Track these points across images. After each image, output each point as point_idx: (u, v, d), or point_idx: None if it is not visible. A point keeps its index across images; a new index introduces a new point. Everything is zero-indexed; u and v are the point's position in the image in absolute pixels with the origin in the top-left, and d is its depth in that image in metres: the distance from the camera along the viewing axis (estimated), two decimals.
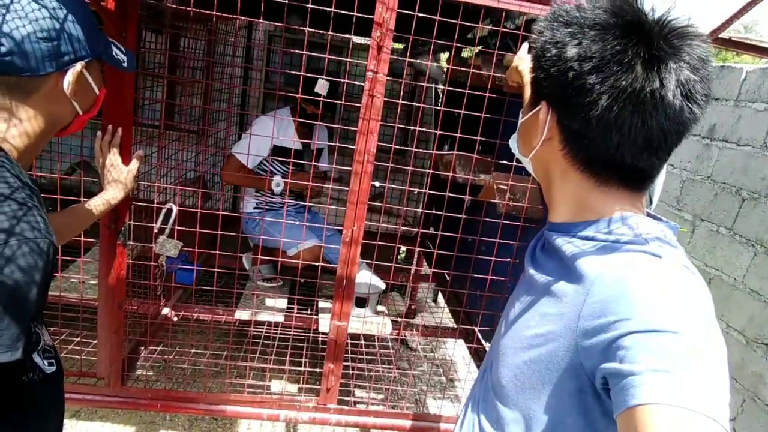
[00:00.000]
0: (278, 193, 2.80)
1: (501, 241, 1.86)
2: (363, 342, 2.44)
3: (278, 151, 2.77)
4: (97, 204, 1.44)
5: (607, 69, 0.67)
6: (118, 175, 1.54)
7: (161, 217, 1.62)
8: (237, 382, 2.11)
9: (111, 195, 1.50)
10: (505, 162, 1.69)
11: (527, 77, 1.18)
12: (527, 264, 0.91)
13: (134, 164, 1.57)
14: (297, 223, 2.60)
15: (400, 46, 4.29)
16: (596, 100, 0.68)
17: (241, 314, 2.36)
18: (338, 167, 2.74)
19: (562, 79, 0.72)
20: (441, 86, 3.82)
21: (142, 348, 2.03)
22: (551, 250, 0.83)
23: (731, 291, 2.43)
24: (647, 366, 0.58)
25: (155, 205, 1.67)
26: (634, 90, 0.67)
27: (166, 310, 2.33)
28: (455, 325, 2.69)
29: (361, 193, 1.63)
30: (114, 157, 1.54)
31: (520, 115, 0.88)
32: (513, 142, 0.92)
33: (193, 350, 2.07)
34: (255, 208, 2.93)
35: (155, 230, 1.61)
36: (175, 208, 1.61)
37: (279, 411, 1.84)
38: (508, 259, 1.97)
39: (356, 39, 3.74)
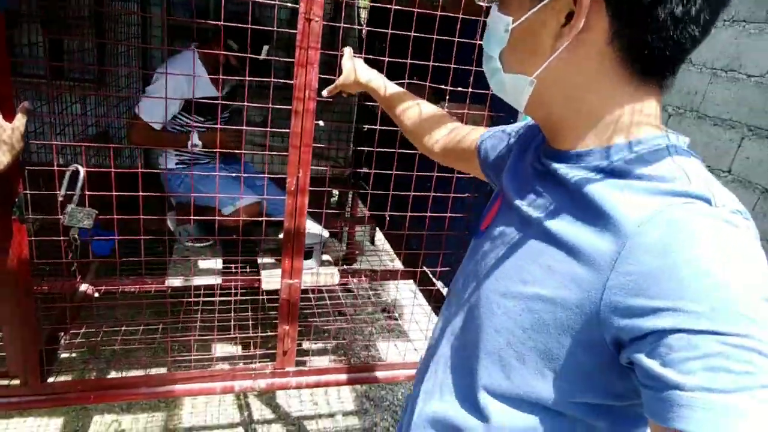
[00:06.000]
0: (194, 150, 2.50)
1: (439, 174, 1.72)
2: (312, 295, 2.30)
3: (191, 103, 2.44)
4: None
5: None
6: (1, 135, 1.24)
7: (65, 182, 1.34)
8: (182, 357, 1.91)
9: None
10: (460, 89, 1.55)
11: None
12: (508, 191, 0.74)
13: (20, 119, 1.26)
14: (233, 174, 2.29)
15: None
16: None
17: (173, 281, 2.13)
18: (259, 105, 2.47)
19: None
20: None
21: (62, 334, 1.77)
22: (554, 181, 0.66)
23: None
24: (700, 381, 0.46)
25: (56, 168, 1.37)
26: None
27: (84, 287, 2.05)
28: (402, 267, 2.60)
29: (305, 134, 1.43)
30: None
31: (504, 20, 0.64)
32: (494, 65, 0.68)
33: (123, 328, 1.83)
34: (177, 163, 2.60)
35: (60, 198, 1.33)
36: (82, 170, 1.33)
37: (233, 382, 1.68)
38: (448, 194, 1.84)
39: None
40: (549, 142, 0.70)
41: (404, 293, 2.86)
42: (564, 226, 0.61)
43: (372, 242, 4.29)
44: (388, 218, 1.84)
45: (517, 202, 0.70)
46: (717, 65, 2.28)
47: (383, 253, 3.39)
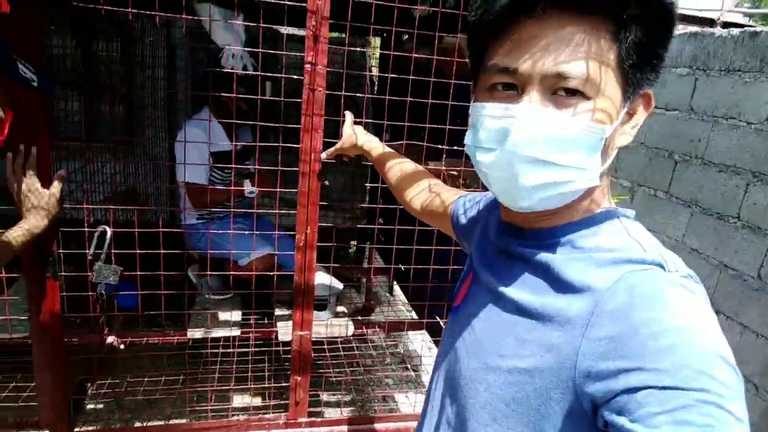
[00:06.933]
0: (251, 198, 2.64)
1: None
2: (327, 347, 2.36)
3: (215, 158, 2.61)
4: (16, 235, 1.28)
5: None
6: (39, 201, 1.37)
7: (94, 242, 1.46)
8: (199, 407, 1.98)
9: (32, 224, 1.34)
10: (456, 148, 1.65)
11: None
12: (478, 266, 0.77)
13: (56, 186, 1.40)
14: (247, 232, 2.43)
15: (334, 34, 4.20)
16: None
17: (194, 333, 2.22)
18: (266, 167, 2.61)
19: (667, 42, 0.60)
20: (375, 73, 3.78)
21: (89, 384, 1.86)
22: (516, 256, 0.70)
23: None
24: None
25: (86, 229, 1.50)
26: None
27: (110, 339, 2.15)
28: (418, 318, 2.65)
29: (312, 193, 1.54)
30: (30, 181, 1.37)
31: (597, 129, 0.61)
32: (576, 177, 0.63)
33: (146, 379, 1.92)
34: (198, 219, 2.74)
35: (89, 256, 1.46)
36: (109, 231, 1.46)
37: None
38: (450, 247, 1.90)
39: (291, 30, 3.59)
40: (512, 218, 0.72)
41: (418, 344, 2.89)
42: (533, 298, 0.65)
43: (390, 292, 4.33)
44: (400, 270, 1.90)
45: (486, 277, 0.74)
46: (717, 113, 2.31)
47: (401, 303, 3.43)
